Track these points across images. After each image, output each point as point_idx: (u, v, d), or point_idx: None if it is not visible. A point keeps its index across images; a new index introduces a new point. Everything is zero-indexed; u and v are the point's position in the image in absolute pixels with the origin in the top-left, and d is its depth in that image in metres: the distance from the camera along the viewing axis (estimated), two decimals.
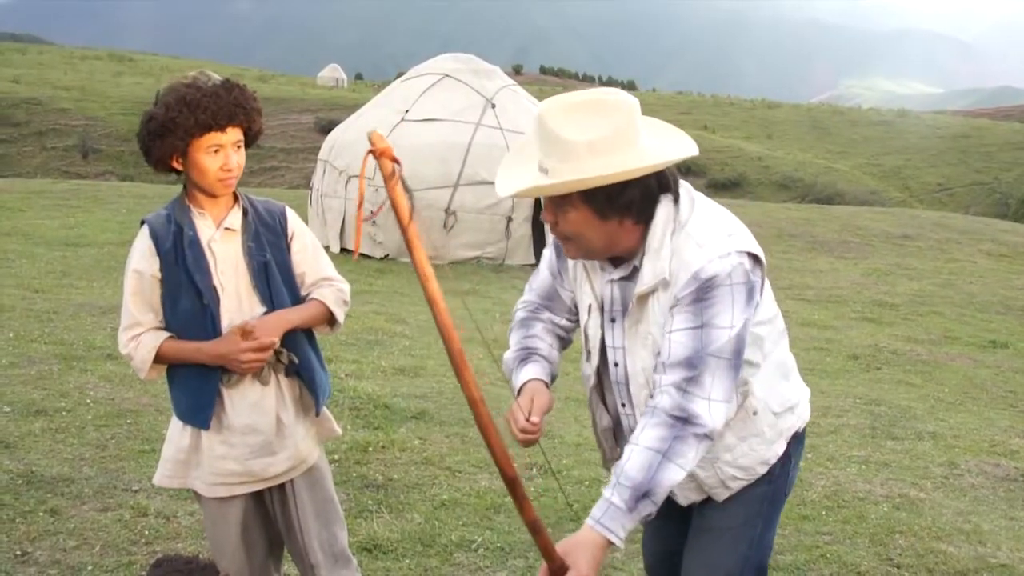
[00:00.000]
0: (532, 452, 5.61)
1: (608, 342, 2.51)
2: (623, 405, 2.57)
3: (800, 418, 2.66)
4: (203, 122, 2.74)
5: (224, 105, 2.77)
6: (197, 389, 2.89)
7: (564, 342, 2.80)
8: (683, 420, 2.25)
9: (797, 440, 2.67)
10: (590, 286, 2.51)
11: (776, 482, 2.63)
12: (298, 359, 2.98)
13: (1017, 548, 4.81)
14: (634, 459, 2.24)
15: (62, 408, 5.85)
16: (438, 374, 7.45)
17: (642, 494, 2.21)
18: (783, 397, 2.58)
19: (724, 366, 2.28)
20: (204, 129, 2.75)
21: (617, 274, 2.44)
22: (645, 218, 2.32)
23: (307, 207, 15.75)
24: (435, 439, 5.83)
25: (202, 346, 2.83)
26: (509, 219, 13.84)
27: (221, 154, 2.81)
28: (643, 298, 2.37)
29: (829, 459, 5.99)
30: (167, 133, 2.74)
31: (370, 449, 5.53)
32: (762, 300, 2.42)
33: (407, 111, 14.73)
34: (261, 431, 2.93)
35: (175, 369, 2.91)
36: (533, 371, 2.64)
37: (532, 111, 15.24)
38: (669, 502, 2.44)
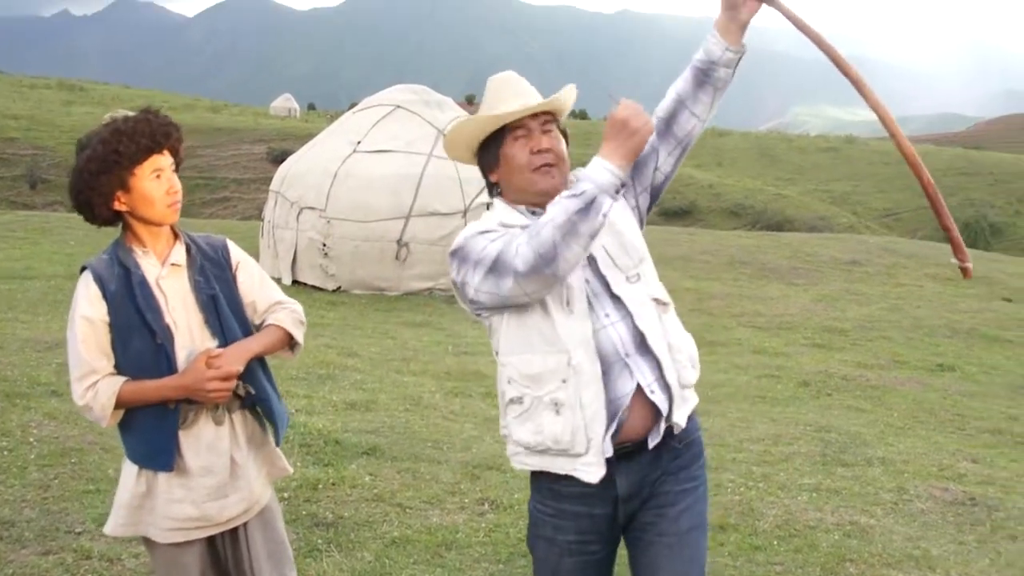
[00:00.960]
0: (484, 487, 5.59)
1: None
2: (606, 315, 2.62)
3: None
4: (144, 146, 2.76)
5: (157, 127, 2.81)
6: (155, 432, 2.84)
7: None
8: None
9: None
10: None
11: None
12: (255, 390, 2.96)
13: (966, 572, 4.85)
14: None
15: (3, 447, 5.73)
16: (390, 408, 7.40)
17: None
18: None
19: None
20: (146, 153, 2.77)
21: None
22: None
23: (259, 238, 15.65)
24: (386, 475, 5.78)
25: (166, 381, 2.79)
26: None
27: (163, 178, 2.82)
28: None
29: (780, 487, 6.01)
30: (112, 166, 2.74)
31: (320, 486, 5.47)
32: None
33: (359, 142, 14.72)
34: (216, 473, 2.90)
35: (129, 413, 2.86)
36: None
37: None
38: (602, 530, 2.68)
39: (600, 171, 2.44)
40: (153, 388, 2.79)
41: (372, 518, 5.12)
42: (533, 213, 2.68)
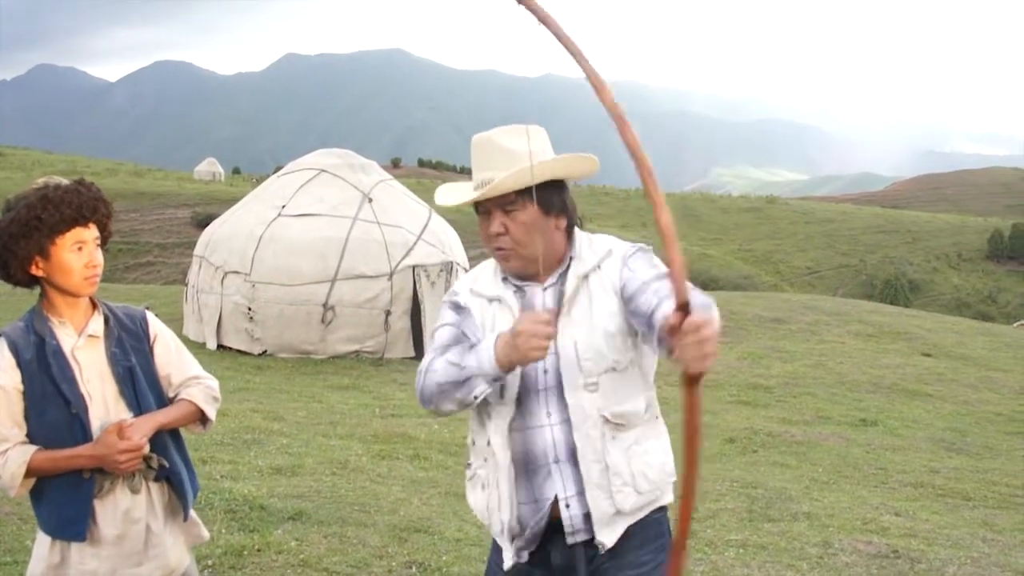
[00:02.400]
0: (412, 550, 5.54)
1: None
2: (548, 415, 2.59)
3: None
4: (68, 217, 2.74)
5: (86, 200, 2.78)
6: (68, 501, 2.80)
7: None
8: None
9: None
10: (511, 314, 2.64)
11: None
12: (167, 463, 2.94)
13: None
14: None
15: None
16: (316, 472, 7.32)
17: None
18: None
19: None
20: (70, 224, 2.75)
21: (549, 281, 2.67)
22: (569, 224, 2.69)
23: (182, 303, 15.47)
24: (312, 539, 5.70)
25: (79, 450, 2.75)
26: (388, 312, 13.82)
27: (85, 251, 2.80)
28: (582, 281, 2.61)
29: (707, 544, 6.04)
30: (32, 232, 2.71)
31: (245, 553, 5.38)
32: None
33: (284, 206, 14.69)
34: (131, 541, 2.86)
35: (42, 483, 2.82)
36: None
37: (408, 205, 15.35)
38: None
39: (484, 356, 2.48)
40: (65, 457, 2.76)
41: None
42: (517, 289, 2.69)
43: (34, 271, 2.79)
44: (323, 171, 15.37)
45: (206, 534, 3.16)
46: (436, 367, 2.56)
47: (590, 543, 2.60)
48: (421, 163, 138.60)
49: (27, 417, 2.79)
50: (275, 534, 5.73)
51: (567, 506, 2.56)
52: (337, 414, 9.84)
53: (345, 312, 13.67)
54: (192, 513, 3.06)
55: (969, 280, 61.74)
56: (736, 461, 8.83)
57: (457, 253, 15.35)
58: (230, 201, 22.79)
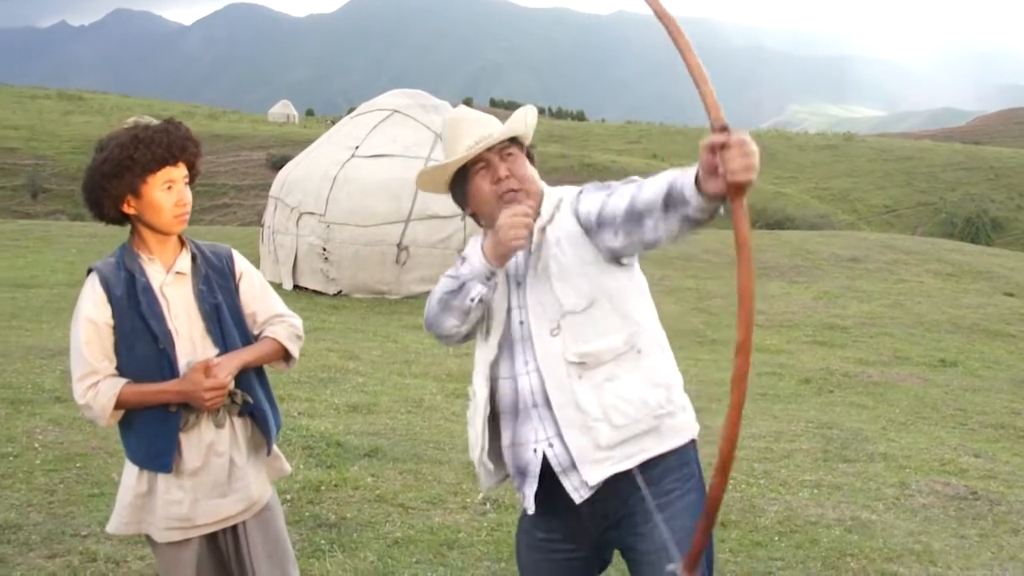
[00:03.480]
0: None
1: (513, 303, 2.75)
2: (526, 363, 2.70)
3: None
4: (159, 156, 2.81)
5: (176, 139, 2.85)
6: (156, 434, 2.88)
7: None
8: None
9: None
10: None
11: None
12: (252, 400, 3.00)
13: (967, 567, 4.86)
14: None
15: (9, 453, 5.77)
16: (392, 410, 7.43)
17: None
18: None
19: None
20: (160, 164, 2.81)
21: None
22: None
23: (259, 244, 15.67)
24: (388, 476, 5.80)
25: (165, 386, 2.83)
26: (461, 252, 13.85)
27: (175, 190, 2.87)
28: (541, 234, 2.71)
29: (781, 484, 6.03)
30: (124, 171, 2.78)
31: (323, 488, 5.50)
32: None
33: (357, 147, 14.75)
34: (215, 473, 2.94)
35: (131, 415, 2.90)
36: None
37: None
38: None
39: (475, 258, 2.67)
40: (153, 392, 2.84)
41: (374, 519, 5.14)
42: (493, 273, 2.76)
43: (126, 209, 2.86)
44: (395, 111, 15.37)
45: (288, 468, 3.24)
46: (436, 288, 2.78)
47: (621, 484, 2.65)
48: (493, 103, 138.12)
49: (117, 351, 2.86)
50: (351, 470, 5.84)
51: (550, 446, 2.65)
52: (412, 353, 9.93)
53: (419, 252, 13.74)
54: (274, 447, 3.13)
55: None
56: (811, 402, 8.78)
57: None
58: (304, 143, 22.97)
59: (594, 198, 2.68)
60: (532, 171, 2.79)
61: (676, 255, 18.30)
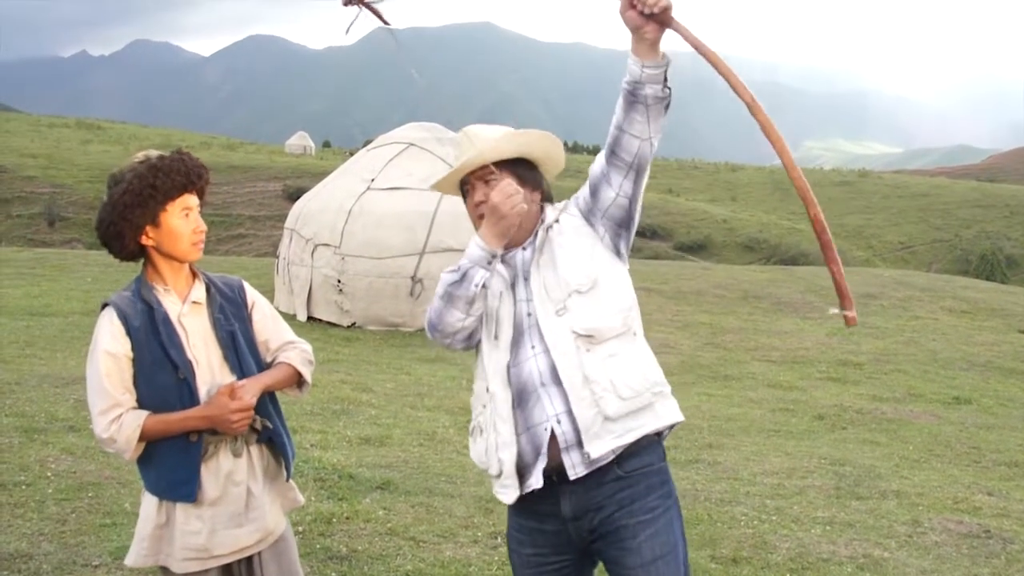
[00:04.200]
0: (497, 520, 5.61)
1: (520, 297, 2.86)
2: (532, 348, 2.80)
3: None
4: (179, 183, 2.89)
5: (192, 167, 2.94)
6: (177, 463, 2.91)
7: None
8: None
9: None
10: (498, 275, 2.91)
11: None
12: (271, 424, 3.05)
13: None
14: None
15: (22, 482, 5.78)
16: (404, 443, 7.43)
17: None
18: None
19: None
20: (180, 190, 2.90)
21: (527, 241, 2.94)
22: (543, 199, 2.98)
23: (273, 275, 15.74)
24: (400, 509, 5.80)
25: (191, 412, 2.87)
26: None
27: (192, 216, 2.95)
28: (546, 233, 2.90)
29: (794, 520, 6.01)
30: (147, 200, 2.85)
31: (334, 520, 5.50)
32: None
33: (373, 179, 14.83)
34: (233, 503, 2.96)
35: (150, 447, 2.92)
36: None
37: None
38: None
39: (473, 248, 2.82)
40: (178, 420, 2.87)
41: (386, 552, 5.14)
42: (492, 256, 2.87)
43: (144, 240, 2.92)
44: (412, 145, 15.46)
45: (301, 499, 3.26)
46: (438, 288, 2.90)
47: (603, 472, 2.76)
48: None
49: (135, 384, 2.89)
50: (363, 503, 5.84)
51: (558, 422, 2.73)
52: (425, 386, 9.95)
53: (433, 285, 13.63)
54: (289, 480, 3.16)
55: None
56: (825, 438, 8.74)
57: None
58: (320, 174, 23.08)
59: (584, 185, 2.90)
60: (517, 189, 2.82)
61: (689, 290, 18.30)
